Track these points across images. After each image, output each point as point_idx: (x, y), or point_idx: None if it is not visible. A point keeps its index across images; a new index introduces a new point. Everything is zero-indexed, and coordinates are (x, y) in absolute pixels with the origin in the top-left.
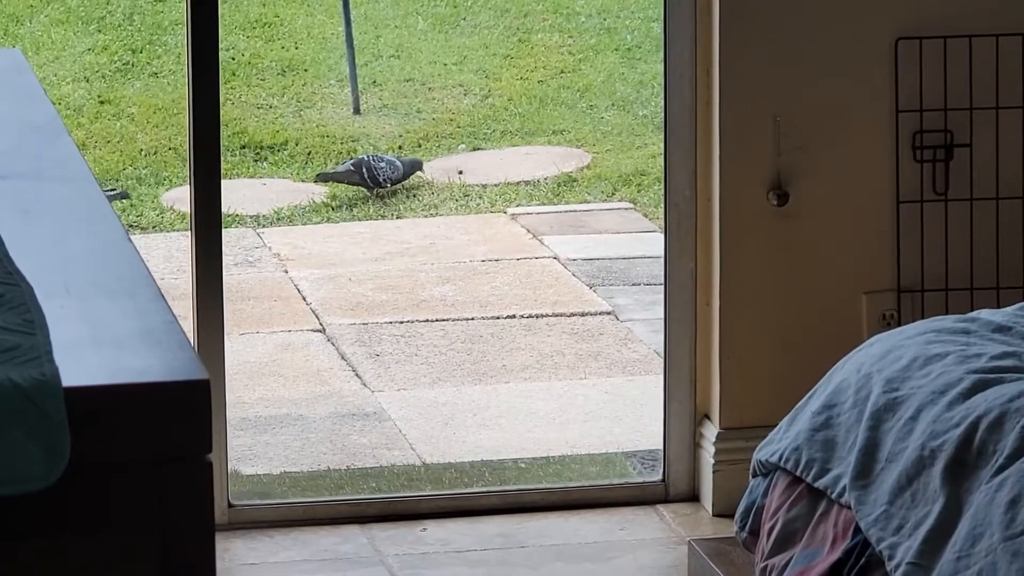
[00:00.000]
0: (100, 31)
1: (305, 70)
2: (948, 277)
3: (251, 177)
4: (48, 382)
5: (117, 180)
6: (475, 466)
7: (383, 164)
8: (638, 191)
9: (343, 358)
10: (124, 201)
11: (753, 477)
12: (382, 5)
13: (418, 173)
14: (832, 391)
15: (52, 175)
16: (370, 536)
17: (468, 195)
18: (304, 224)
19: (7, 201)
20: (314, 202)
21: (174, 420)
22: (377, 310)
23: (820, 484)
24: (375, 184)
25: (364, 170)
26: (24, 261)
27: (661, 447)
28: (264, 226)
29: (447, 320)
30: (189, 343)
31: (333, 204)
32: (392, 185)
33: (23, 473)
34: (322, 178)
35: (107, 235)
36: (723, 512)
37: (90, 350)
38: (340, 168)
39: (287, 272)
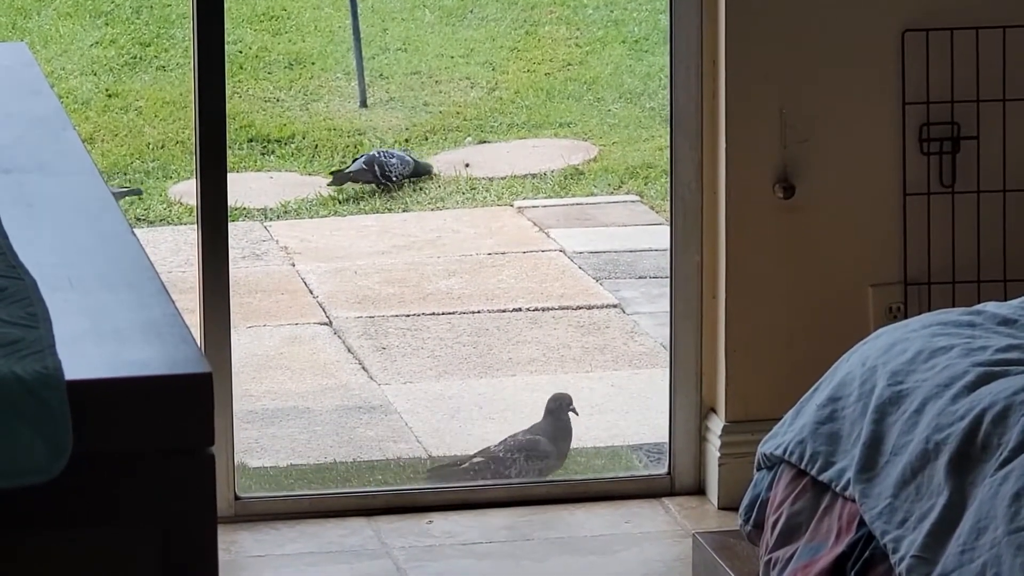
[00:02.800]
0: (108, 24)
1: (312, 63)
2: (955, 270)
3: (258, 170)
4: (51, 375)
5: (125, 174)
6: None
7: (394, 160)
8: (645, 184)
9: (350, 351)
10: (135, 197)
11: (758, 470)
12: None
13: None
14: (837, 384)
15: (56, 169)
16: (376, 528)
17: (475, 188)
18: (311, 217)
19: (11, 194)
20: (321, 195)
21: (176, 413)
22: (384, 303)
23: (824, 477)
24: (386, 180)
25: (376, 167)
26: (27, 254)
27: (667, 440)
28: (271, 219)
29: (453, 313)
30: (191, 336)
31: (340, 197)
32: (401, 180)
33: (25, 466)
34: (337, 180)
35: (110, 228)
36: (728, 505)
37: (92, 343)
38: (353, 167)
39: (294, 265)
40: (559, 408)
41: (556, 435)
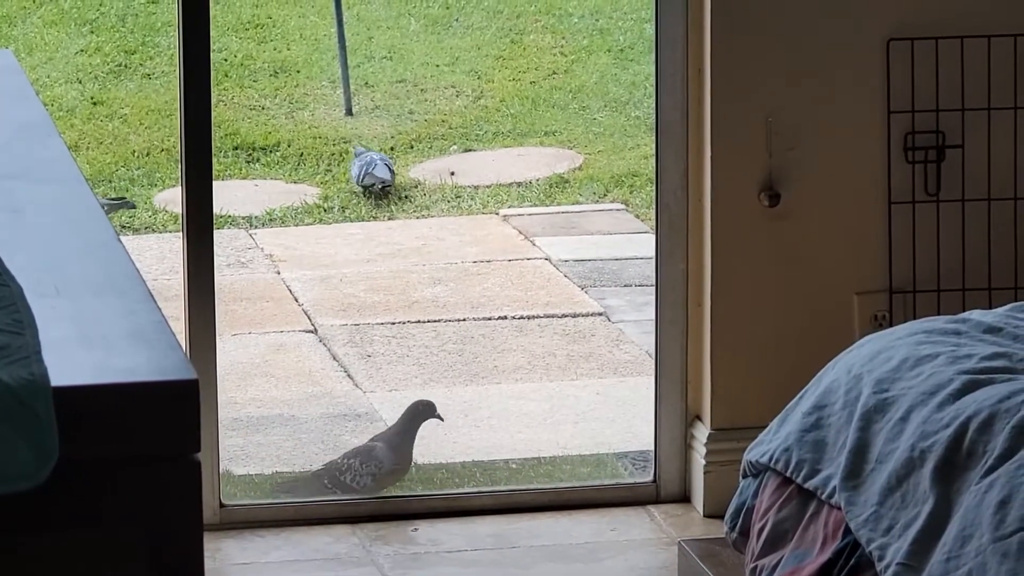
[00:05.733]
0: (93, 32)
1: (297, 71)
2: (940, 278)
3: (243, 178)
4: (37, 382)
5: (110, 181)
6: (466, 466)
7: (388, 161)
8: (630, 192)
9: (335, 359)
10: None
11: (743, 478)
12: (374, 6)
13: (409, 175)
14: (822, 392)
15: (42, 176)
16: (361, 536)
17: (460, 196)
18: (296, 225)
19: None
20: (306, 203)
21: (162, 420)
22: (369, 311)
23: (810, 485)
24: (391, 181)
25: (389, 169)
26: (14, 261)
27: (652, 448)
28: (256, 227)
29: (439, 321)
30: (178, 343)
31: (325, 205)
32: None
33: (12, 472)
34: (377, 186)
35: (97, 235)
36: (714, 513)
37: (79, 350)
38: (380, 172)
39: (279, 273)
40: (413, 416)
41: (397, 442)
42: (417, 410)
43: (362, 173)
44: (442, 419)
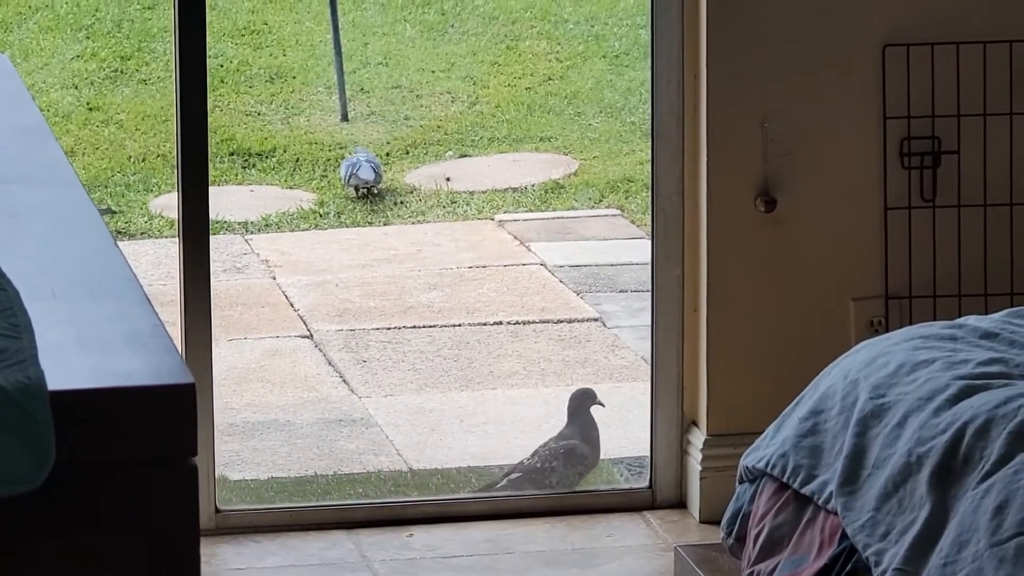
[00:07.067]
0: (89, 38)
1: (293, 77)
2: (936, 283)
3: (239, 184)
4: (33, 385)
5: (106, 187)
6: (461, 472)
7: (374, 161)
8: (625, 198)
9: (330, 364)
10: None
11: (740, 483)
12: (370, 12)
13: (405, 180)
14: (819, 397)
15: (39, 180)
16: (357, 541)
17: (455, 202)
18: (292, 231)
19: None
20: (302, 209)
21: (159, 423)
22: (364, 316)
23: (807, 490)
24: (380, 179)
25: (376, 169)
26: (10, 265)
27: (648, 453)
28: (252, 232)
29: (434, 326)
30: (175, 347)
31: (321, 211)
32: None
33: (9, 476)
34: (362, 186)
35: (93, 239)
36: (710, 519)
37: (76, 353)
38: (366, 174)
39: (275, 278)
40: (581, 406)
41: (586, 435)
42: (579, 401)
43: (348, 174)
44: (603, 404)
